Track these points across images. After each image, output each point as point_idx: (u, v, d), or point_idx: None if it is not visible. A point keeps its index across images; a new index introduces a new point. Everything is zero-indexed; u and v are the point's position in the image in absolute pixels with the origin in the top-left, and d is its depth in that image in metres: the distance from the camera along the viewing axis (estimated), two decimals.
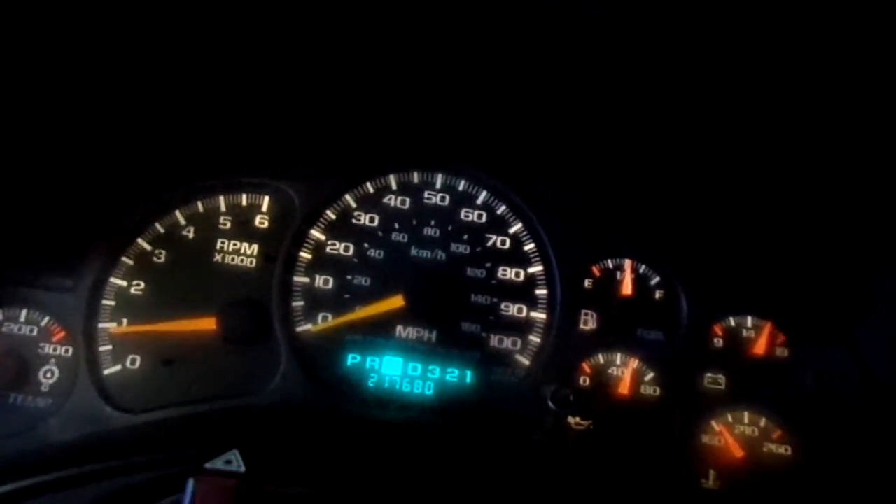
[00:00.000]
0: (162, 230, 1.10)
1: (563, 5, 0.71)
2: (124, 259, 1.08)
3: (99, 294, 1.06)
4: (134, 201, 1.09)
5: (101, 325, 1.05)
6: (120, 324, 1.06)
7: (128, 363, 1.04)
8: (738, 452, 1.05)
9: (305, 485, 0.70)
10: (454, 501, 0.82)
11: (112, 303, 1.06)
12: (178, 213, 1.10)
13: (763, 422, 1.07)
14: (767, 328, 1.10)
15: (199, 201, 1.11)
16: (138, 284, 1.08)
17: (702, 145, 1.05)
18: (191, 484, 0.57)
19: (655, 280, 1.12)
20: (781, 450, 1.06)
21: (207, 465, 0.59)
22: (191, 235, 1.10)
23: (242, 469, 0.60)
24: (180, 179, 1.10)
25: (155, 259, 1.09)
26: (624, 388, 1.07)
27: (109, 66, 0.92)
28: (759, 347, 1.09)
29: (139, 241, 1.09)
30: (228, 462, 0.60)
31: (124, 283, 1.07)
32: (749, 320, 1.10)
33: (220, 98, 1.05)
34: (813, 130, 0.90)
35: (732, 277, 1.12)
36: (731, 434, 1.06)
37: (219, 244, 1.10)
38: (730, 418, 1.07)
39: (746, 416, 1.07)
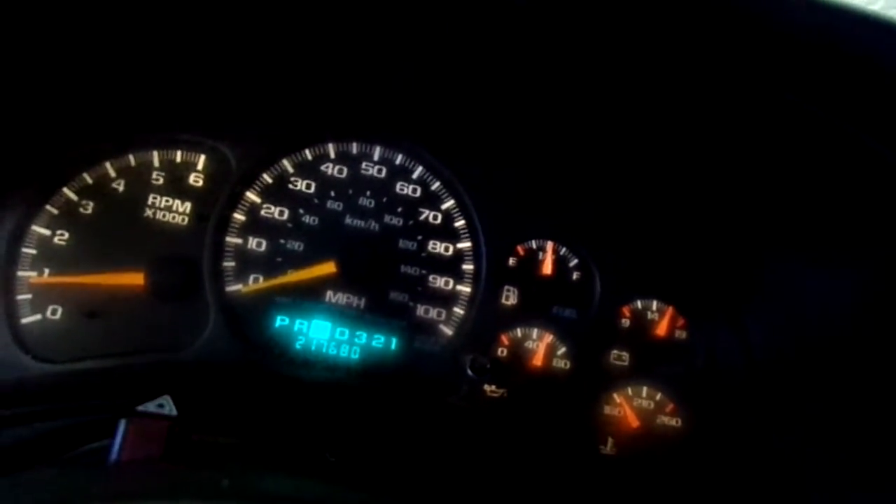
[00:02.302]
0: (90, 181, 1.07)
1: None
2: (48, 207, 1.05)
3: (19, 242, 1.03)
4: (62, 149, 1.06)
5: (20, 274, 1.03)
6: (41, 273, 1.03)
7: (48, 313, 1.02)
8: (635, 422, 1.15)
9: (231, 435, 0.73)
10: (373, 455, 0.87)
11: (33, 251, 1.04)
12: (108, 164, 1.08)
13: (658, 396, 1.17)
14: (669, 312, 1.20)
15: (132, 154, 1.09)
16: (62, 234, 1.05)
17: (617, 140, 1.12)
18: (122, 424, 0.59)
19: (573, 262, 1.20)
20: (673, 421, 1.17)
21: (139, 408, 0.61)
22: (121, 189, 1.08)
23: (174, 413, 0.62)
24: (113, 130, 1.08)
25: (81, 210, 1.06)
26: (537, 361, 1.14)
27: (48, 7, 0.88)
28: (661, 329, 1.19)
29: (65, 190, 1.06)
30: (160, 406, 0.63)
31: (47, 232, 1.05)
32: (654, 304, 1.20)
33: (162, 50, 1.03)
34: (709, 126, 0.98)
35: (642, 264, 1.21)
36: (629, 406, 1.16)
37: (150, 199, 1.08)
38: (630, 392, 1.17)
39: (644, 391, 1.17)
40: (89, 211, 1.07)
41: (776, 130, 0.90)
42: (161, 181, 1.10)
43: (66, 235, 1.05)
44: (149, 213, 1.08)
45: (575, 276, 1.19)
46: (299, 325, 1.10)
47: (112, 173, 1.08)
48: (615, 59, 0.85)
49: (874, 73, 0.70)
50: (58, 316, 1.03)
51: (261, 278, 1.10)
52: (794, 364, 1.12)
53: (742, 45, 0.73)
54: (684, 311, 1.21)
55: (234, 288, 1.09)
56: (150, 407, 0.62)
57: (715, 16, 0.69)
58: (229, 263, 1.09)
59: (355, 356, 1.11)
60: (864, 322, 0.98)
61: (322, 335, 1.11)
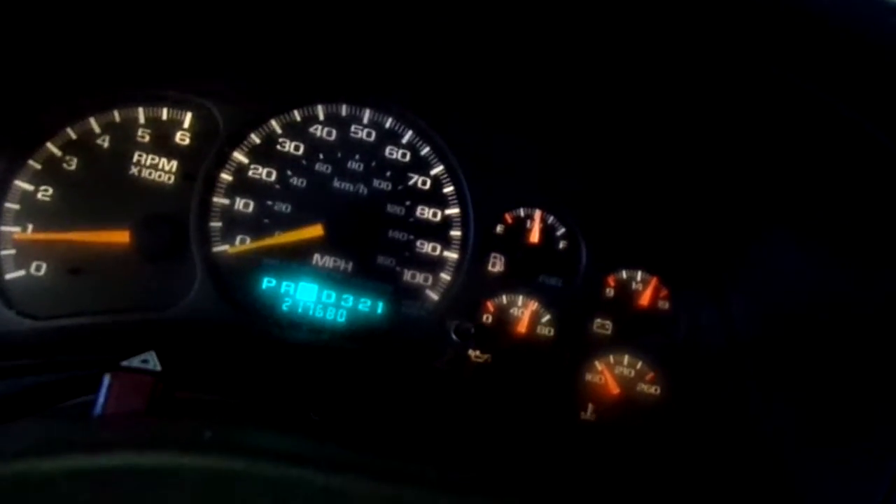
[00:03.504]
0: (74, 136, 1.06)
1: None
2: (31, 162, 1.04)
3: (2, 197, 1.02)
4: (45, 103, 1.04)
5: (3, 229, 1.02)
6: (25, 229, 1.03)
7: (32, 269, 1.02)
8: (615, 390, 1.17)
9: (216, 393, 0.74)
10: (356, 416, 0.89)
11: (16, 206, 1.03)
12: (93, 120, 1.06)
13: (639, 364, 1.19)
14: (653, 282, 1.21)
15: (117, 110, 1.07)
16: (46, 190, 1.04)
17: (607, 111, 1.12)
18: (107, 379, 0.60)
19: (561, 231, 1.20)
20: (652, 390, 1.19)
21: (124, 363, 0.62)
22: (106, 145, 1.07)
23: (159, 368, 0.63)
24: (98, 85, 1.06)
25: (65, 166, 1.05)
26: (522, 327, 1.16)
27: None
28: (645, 299, 1.21)
29: (49, 145, 1.05)
30: (145, 361, 0.63)
31: (30, 188, 1.04)
32: (639, 274, 1.21)
33: (149, 4, 1.01)
34: (699, 100, 0.98)
35: (628, 235, 1.22)
36: (610, 373, 1.18)
37: (136, 157, 1.07)
38: (611, 360, 1.18)
39: (626, 359, 1.19)
40: (73, 167, 1.05)
41: (764, 105, 0.90)
42: (147, 138, 1.08)
43: (50, 191, 1.04)
44: (134, 170, 1.07)
45: (561, 244, 1.20)
46: (286, 286, 1.11)
47: (97, 129, 1.07)
48: (605, 32, 0.84)
49: (860, 48, 0.70)
50: (41, 272, 1.02)
51: (248, 239, 1.10)
52: (774, 337, 1.14)
53: (730, 17, 0.72)
54: (668, 281, 1.22)
55: (221, 248, 1.09)
56: (135, 362, 0.63)
57: None
58: (216, 224, 1.09)
59: (341, 319, 1.12)
60: (844, 299, 0.99)
61: (309, 297, 1.11)
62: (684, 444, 1.17)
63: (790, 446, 1.04)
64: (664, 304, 1.22)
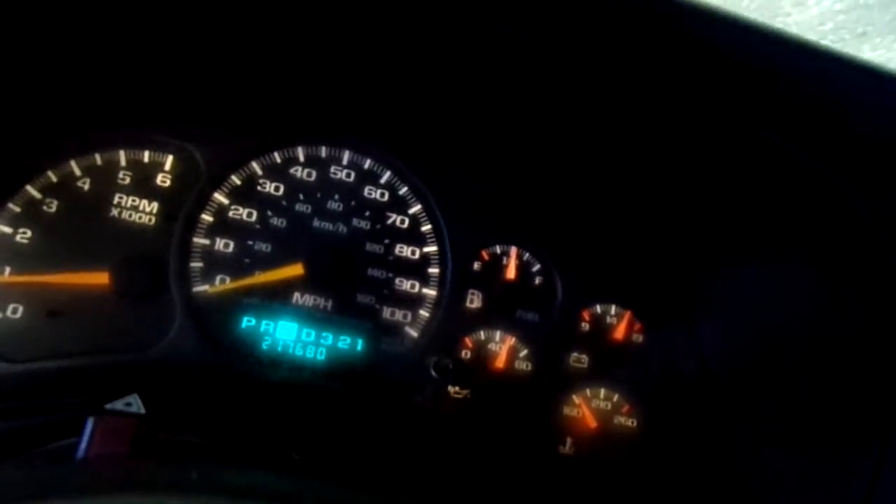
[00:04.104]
0: (55, 179, 1.06)
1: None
2: (10, 205, 1.04)
3: None
4: (25, 146, 1.05)
5: None
6: (2, 272, 1.03)
7: (9, 312, 1.01)
8: (593, 423, 1.19)
9: (198, 434, 0.74)
10: (338, 454, 0.89)
11: None
12: (73, 163, 1.07)
13: (616, 397, 1.21)
14: (627, 316, 1.25)
15: (98, 153, 1.09)
16: (24, 233, 1.04)
17: (577, 149, 1.17)
18: (90, 422, 0.60)
19: (536, 267, 1.23)
20: (629, 422, 1.21)
21: (107, 406, 0.62)
22: (86, 188, 1.08)
23: (142, 411, 0.63)
24: (79, 128, 1.08)
25: (45, 208, 1.06)
26: (500, 363, 1.17)
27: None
28: (619, 333, 1.24)
29: (28, 187, 1.05)
30: (128, 405, 0.63)
31: (9, 231, 1.04)
32: (613, 308, 1.25)
33: (131, 49, 1.03)
34: (656, 140, 1.03)
35: (602, 269, 1.26)
36: (588, 407, 1.20)
37: (116, 199, 1.08)
38: (588, 393, 1.21)
39: (602, 392, 1.21)
40: (53, 210, 1.06)
41: (713, 143, 0.96)
42: (128, 181, 1.09)
43: (29, 234, 1.04)
44: (115, 212, 1.08)
45: (537, 280, 1.23)
46: (266, 325, 1.11)
47: (77, 172, 1.08)
48: (575, 77, 0.89)
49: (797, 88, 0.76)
50: (18, 315, 1.02)
51: (228, 279, 1.11)
52: (746, 366, 1.17)
53: (683, 69, 0.78)
54: (641, 315, 1.26)
55: (201, 288, 1.09)
56: (118, 405, 0.63)
57: (661, 38, 0.74)
58: (196, 264, 1.10)
59: (321, 357, 1.13)
60: (809, 325, 1.03)
61: (288, 336, 1.12)
62: (661, 475, 1.18)
63: (764, 475, 1.06)
64: (638, 338, 1.25)
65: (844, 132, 0.81)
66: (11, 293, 1.02)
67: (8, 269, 1.03)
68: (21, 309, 1.02)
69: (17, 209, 1.05)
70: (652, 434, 1.21)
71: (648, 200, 1.23)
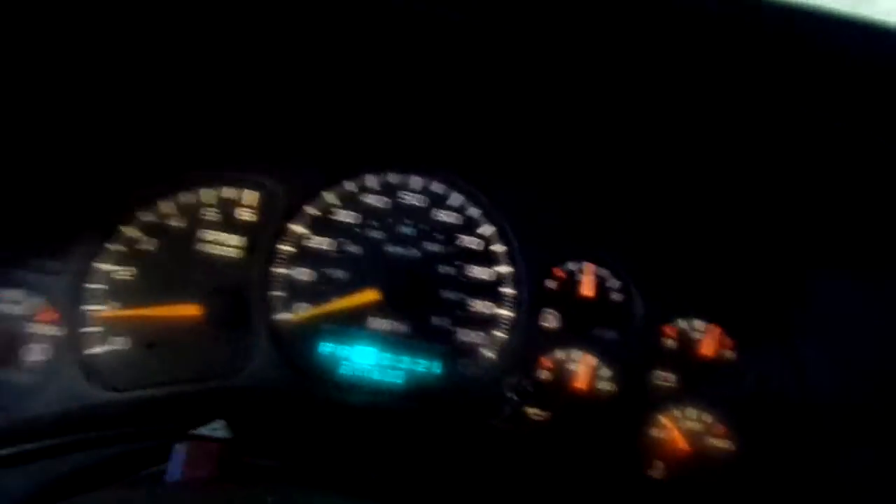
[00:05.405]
0: (147, 220, 1.14)
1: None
2: (109, 246, 1.13)
3: (85, 278, 1.11)
4: (120, 192, 1.14)
5: (87, 308, 1.10)
6: (106, 307, 1.11)
7: (112, 345, 1.09)
8: (684, 445, 1.12)
9: (281, 458, 0.76)
10: (417, 477, 0.89)
11: (99, 286, 1.11)
12: (163, 204, 1.15)
13: (708, 418, 1.15)
14: (715, 331, 1.18)
15: (184, 193, 1.16)
16: (125, 270, 1.12)
17: (655, 159, 1.13)
18: (179, 447, 0.63)
19: (613, 283, 1.19)
20: (723, 444, 1.14)
21: (195, 432, 0.65)
22: (175, 226, 1.15)
23: (228, 436, 0.66)
24: (166, 172, 1.16)
25: (141, 247, 1.14)
26: (581, 383, 1.14)
27: (100, 61, 0.96)
28: (707, 349, 1.17)
29: (125, 229, 1.14)
30: (214, 430, 0.66)
31: (111, 269, 1.12)
32: (697, 323, 1.18)
33: (208, 97, 1.10)
34: (749, 146, 0.97)
35: (685, 283, 1.20)
36: (677, 428, 1.14)
37: (202, 234, 1.15)
38: (677, 414, 1.15)
39: (693, 413, 1.15)
40: (147, 248, 1.14)
41: (818, 150, 0.89)
42: (212, 217, 1.16)
43: (129, 271, 1.12)
44: (201, 247, 1.14)
45: (615, 297, 1.19)
46: (344, 350, 1.14)
47: (167, 211, 1.15)
48: (653, 83, 0.86)
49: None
50: (120, 347, 1.09)
51: (307, 306, 1.14)
52: (850, 387, 1.08)
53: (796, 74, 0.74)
54: (732, 331, 1.19)
55: (282, 316, 1.13)
56: (205, 431, 0.66)
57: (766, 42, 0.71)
58: (277, 293, 1.14)
59: (399, 381, 1.14)
60: None
61: (366, 360, 1.14)
62: (760, 501, 1.10)
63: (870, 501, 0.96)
64: (730, 355, 1.18)
65: None
66: (119, 327, 1.10)
67: (116, 305, 1.11)
68: (122, 341, 1.09)
69: (119, 249, 1.13)
70: (750, 458, 1.13)
71: (738, 210, 1.16)
